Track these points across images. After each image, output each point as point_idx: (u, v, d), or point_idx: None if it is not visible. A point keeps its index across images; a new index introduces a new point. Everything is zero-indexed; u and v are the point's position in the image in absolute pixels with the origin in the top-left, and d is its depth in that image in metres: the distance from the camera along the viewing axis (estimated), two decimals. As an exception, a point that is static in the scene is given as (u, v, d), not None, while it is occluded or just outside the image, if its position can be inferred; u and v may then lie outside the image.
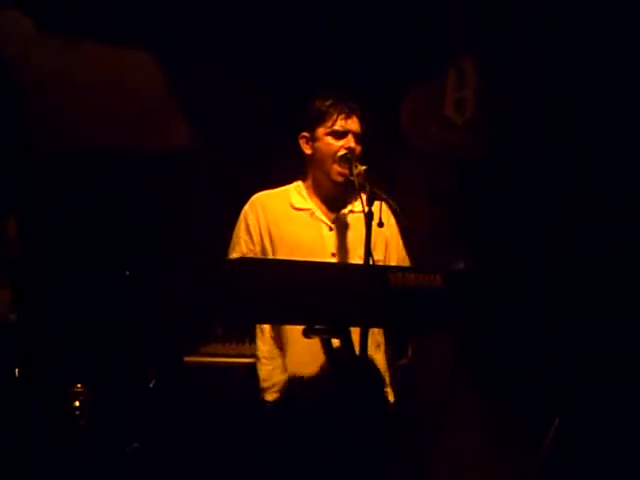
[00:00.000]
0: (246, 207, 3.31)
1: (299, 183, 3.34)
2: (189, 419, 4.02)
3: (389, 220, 3.32)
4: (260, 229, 3.25)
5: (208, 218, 4.21)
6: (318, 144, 3.25)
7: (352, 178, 3.14)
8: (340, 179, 3.22)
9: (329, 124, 3.22)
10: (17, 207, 4.07)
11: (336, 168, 3.22)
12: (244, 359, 4.05)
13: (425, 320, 2.92)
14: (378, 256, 3.19)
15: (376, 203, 3.03)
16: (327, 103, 3.24)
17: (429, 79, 4.43)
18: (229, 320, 3.73)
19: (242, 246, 3.26)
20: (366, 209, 2.97)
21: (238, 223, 3.30)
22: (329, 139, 3.23)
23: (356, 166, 3.15)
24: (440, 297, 2.84)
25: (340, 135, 3.22)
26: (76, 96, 4.16)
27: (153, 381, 4.04)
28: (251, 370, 3.76)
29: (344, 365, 3.02)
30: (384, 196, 3.04)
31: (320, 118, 3.24)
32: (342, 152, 3.21)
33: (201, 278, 3.64)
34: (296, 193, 3.31)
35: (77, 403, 3.86)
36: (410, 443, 3.66)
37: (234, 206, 3.38)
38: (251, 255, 3.23)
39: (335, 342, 3.00)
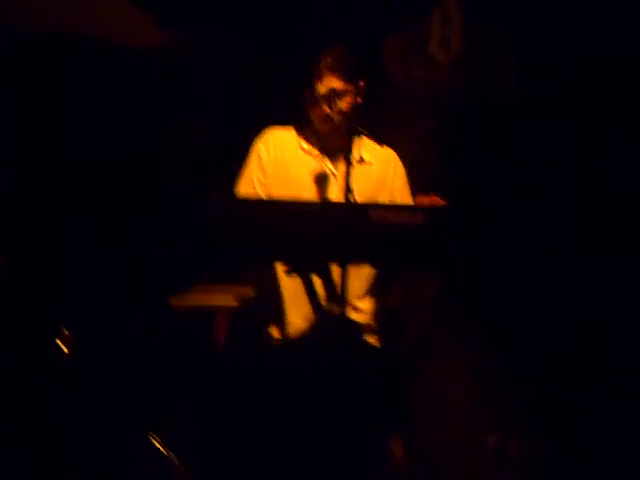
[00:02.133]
0: (259, 141, 3.31)
1: (301, 127, 3.34)
2: (176, 363, 3.98)
3: (396, 170, 3.33)
4: (271, 164, 3.26)
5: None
6: (309, 105, 3.27)
7: (332, 115, 3.15)
8: (327, 122, 3.20)
9: (312, 89, 3.23)
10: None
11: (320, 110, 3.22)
12: (228, 301, 3.96)
13: (406, 257, 2.90)
14: None
15: (367, 143, 3.12)
16: (312, 66, 3.25)
17: (414, 18, 4.36)
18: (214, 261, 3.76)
19: (254, 181, 3.27)
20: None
21: (250, 156, 3.30)
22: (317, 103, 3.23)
23: (336, 103, 3.15)
24: (422, 234, 2.82)
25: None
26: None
27: (139, 325, 3.97)
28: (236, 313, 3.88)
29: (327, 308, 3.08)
30: (366, 133, 3.10)
31: (306, 82, 3.26)
32: (323, 91, 3.18)
33: (188, 218, 3.79)
34: (304, 135, 3.32)
35: (63, 347, 3.77)
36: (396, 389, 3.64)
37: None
38: (262, 189, 3.24)
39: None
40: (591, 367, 3.84)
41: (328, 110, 3.18)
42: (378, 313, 3.34)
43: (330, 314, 3.12)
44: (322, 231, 2.77)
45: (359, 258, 2.93)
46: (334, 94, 3.18)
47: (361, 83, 3.27)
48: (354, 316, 3.22)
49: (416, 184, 3.50)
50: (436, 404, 3.94)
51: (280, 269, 3.18)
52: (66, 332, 3.76)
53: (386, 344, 3.35)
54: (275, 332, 3.29)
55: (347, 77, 3.21)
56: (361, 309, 3.28)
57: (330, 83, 3.20)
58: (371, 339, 3.30)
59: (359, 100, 3.25)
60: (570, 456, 3.74)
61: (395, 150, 3.42)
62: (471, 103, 4.21)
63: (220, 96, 4.18)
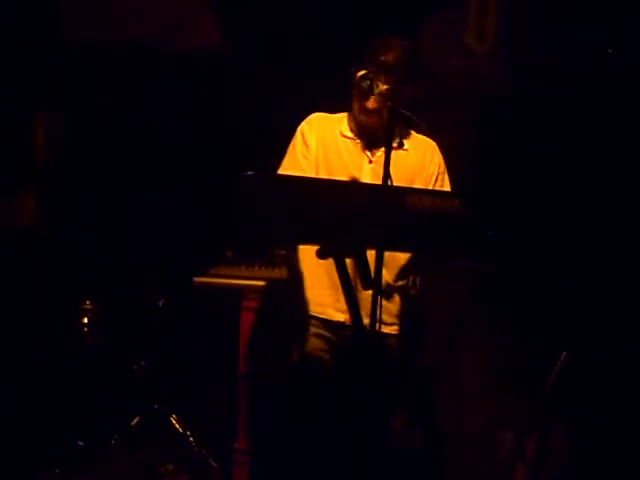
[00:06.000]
0: (304, 123, 3.35)
1: (348, 114, 3.36)
2: (196, 339, 4.03)
3: (433, 158, 3.35)
4: (313, 143, 3.29)
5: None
6: (353, 95, 3.27)
7: (374, 97, 3.11)
8: (367, 115, 3.20)
9: (360, 83, 3.20)
10: (44, 106, 3.97)
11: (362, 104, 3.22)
12: (253, 281, 4.05)
13: (441, 244, 2.85)
14: None
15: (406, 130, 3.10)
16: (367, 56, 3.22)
17: (450, 7, 4.32)
18: (241, 241, 3.83)
19: (298, 157, 3.29)
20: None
21: (295, 137, 3.34)
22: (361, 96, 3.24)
23: (377, 85, 3.11)
24: (458, 222, 2.77)
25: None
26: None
27: (162, 300, 3.96)
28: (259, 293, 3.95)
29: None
30: (408, 114, 3.04)
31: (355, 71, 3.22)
32: (362, 72, 3.15)
33: (214, 196, 3.78)
34: (345, 122, 3.35)
35: (86, 320, 3.82)
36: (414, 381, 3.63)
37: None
38: (305, 163, 3.26)
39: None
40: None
41: (370, 107, 3.18)
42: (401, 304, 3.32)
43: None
44: (357, 214, 2.71)
45: (393, 243, 2.89)
46: (381, 94, 3.14)
47: (409, 90, 3.24)
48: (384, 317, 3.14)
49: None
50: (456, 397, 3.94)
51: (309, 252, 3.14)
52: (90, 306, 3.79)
53: (404, 334, 3.33)
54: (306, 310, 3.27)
55: (397, 80, 3.18)
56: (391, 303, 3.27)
57: (380, 83, 3.15)
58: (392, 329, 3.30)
59: (402, 101, 3.18)
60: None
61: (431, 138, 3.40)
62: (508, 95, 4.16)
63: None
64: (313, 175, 3.21)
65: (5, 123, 3.87)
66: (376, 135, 3.25)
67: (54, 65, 3.97)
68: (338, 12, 4.14)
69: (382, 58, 3.17)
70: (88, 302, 3.82)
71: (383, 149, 3.11)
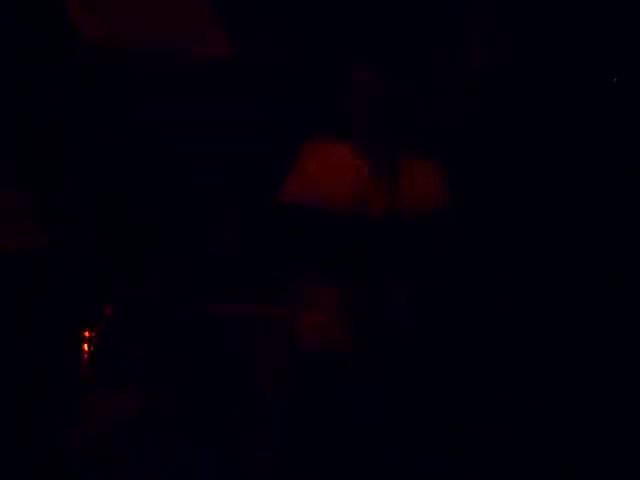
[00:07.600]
0: (301, 148, 3.38)
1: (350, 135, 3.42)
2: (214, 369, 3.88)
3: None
4: (312, 173, 3.34)
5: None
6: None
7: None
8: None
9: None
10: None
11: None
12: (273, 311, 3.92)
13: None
14: None
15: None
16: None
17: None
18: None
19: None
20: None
21: (292, 163, 3.40)
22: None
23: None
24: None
25: None
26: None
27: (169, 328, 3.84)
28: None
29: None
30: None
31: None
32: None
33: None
34: (346, 144, 3.38)
35: (86, 347, 3.71)
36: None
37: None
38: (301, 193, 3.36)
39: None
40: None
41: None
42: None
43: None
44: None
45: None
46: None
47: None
48: None
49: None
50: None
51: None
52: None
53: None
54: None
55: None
56: None
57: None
58: None
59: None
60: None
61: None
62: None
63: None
64: None
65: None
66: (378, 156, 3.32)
67: (57, 87, 3.95)
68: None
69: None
70: (87, 331, 3.70)
71: None
